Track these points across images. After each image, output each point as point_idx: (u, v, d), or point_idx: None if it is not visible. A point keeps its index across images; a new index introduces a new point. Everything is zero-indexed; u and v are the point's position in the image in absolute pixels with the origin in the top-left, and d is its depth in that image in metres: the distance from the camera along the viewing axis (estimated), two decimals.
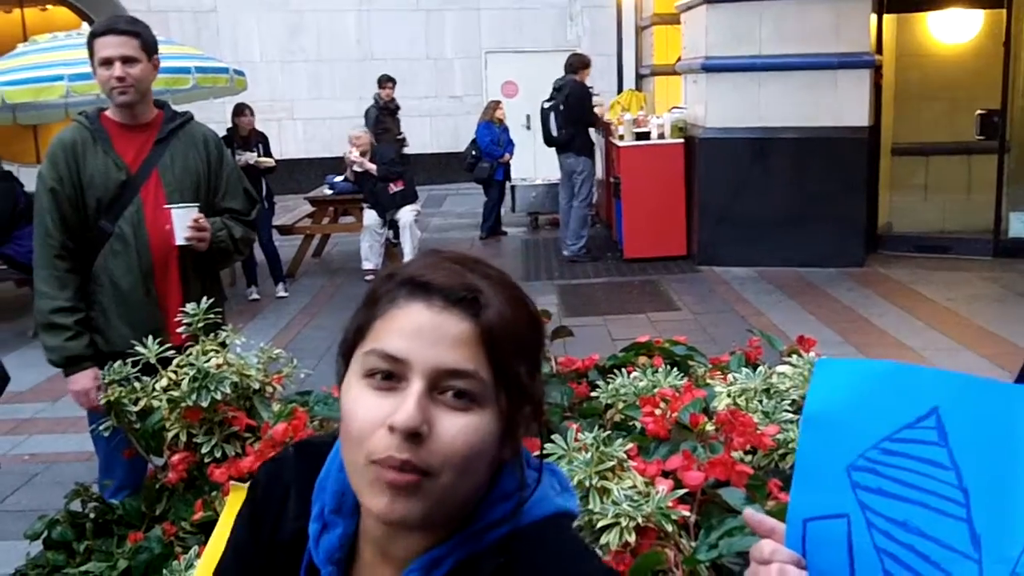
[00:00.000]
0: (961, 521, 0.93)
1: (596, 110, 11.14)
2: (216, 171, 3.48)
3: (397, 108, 12.17)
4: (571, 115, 10.51)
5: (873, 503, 0.98)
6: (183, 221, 3.29)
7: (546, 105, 10.72)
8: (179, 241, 3.30)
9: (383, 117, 11.67)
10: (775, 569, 1.00)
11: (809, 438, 1.02)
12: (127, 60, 3.23)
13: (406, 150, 12.04)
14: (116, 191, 3.29)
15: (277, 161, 10.47)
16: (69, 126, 3.38)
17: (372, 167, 10.11)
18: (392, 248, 10.67)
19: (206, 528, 2.38)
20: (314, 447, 1.16)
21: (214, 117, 8.60)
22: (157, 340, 2.79)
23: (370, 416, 0.98)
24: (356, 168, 10.24)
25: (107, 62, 3.23)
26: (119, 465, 3.20)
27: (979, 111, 9.84)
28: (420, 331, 0.98)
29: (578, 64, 10.71)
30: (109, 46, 3.23)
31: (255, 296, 9.54)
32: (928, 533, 0.95)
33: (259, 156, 9.77)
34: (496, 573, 1.02)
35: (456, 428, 0.97)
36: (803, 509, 1.02)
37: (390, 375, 0.98)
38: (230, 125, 9.77)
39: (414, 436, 0.95)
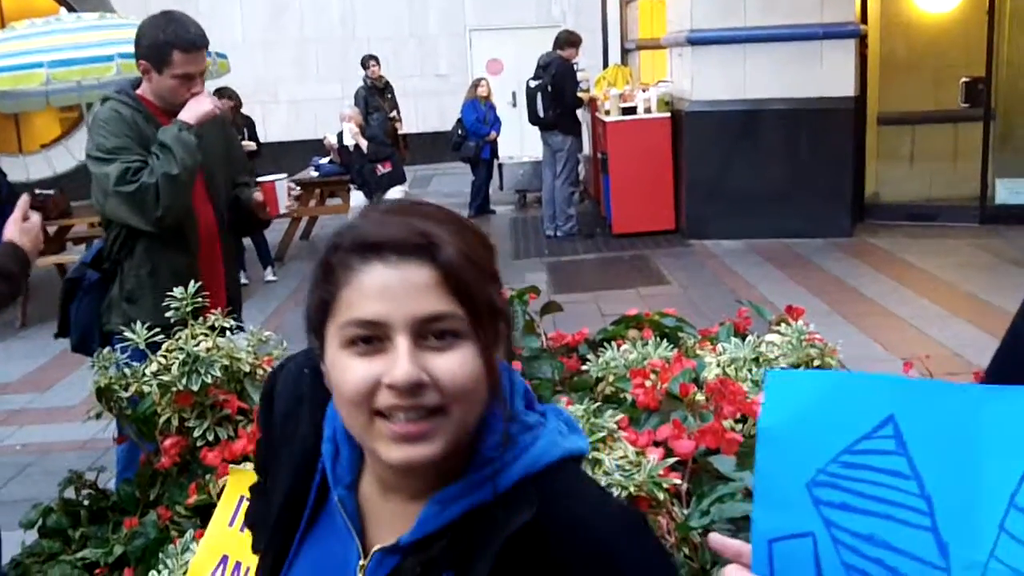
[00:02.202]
0: (926, 531, 0.92)
1: (581, 85, 11.09)
2: (232, 148, 3.63)
3: (387, 85, 12.06)
4: (557, 95, 10.48)
5: (837, 519, 0.96)
6: (283, 191, 3.49)
7: (532, 84, 10.67)
8: (282, 210, 3.51)
9: (371, 97, 11.59)
10: None
11: (767, 456, 1.00)
12: (203, 73, 3.34)
13: (401, 130, 11.93)
14: None
15: (262, 144, 10.42)
16: (113, 101, 3.37)
17: (364, 142, 10.08)
18: None
19: (201, 512, 2.39)
20: None
21: None
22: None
23: (363, 378, 1.00)
24: (347, 143, 10.20)
25: (187, 77, 3.27)
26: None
27: (964, 79, 9.84)
28: (387, 290, 1.00)
29: (565, 41, 10.64)
30: (193, 63, 3.29)
31: (244, 281, 9.50)
32: (894, 545, 0.93)
33: (242, 140, 9.72)
34: (523, 530, 1.02)
35: (450, 365, 1.00)
36: (767, 529, 1.00)
37: (370, 339, 1.00)
38: None
39: (416, 387, 0.98)
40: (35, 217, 2.81)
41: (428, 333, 1.00)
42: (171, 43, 3.26)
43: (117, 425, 3.26)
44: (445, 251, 1.01)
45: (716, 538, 1.08)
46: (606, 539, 1.03)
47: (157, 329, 2.78)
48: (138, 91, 3.40)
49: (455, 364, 1.00)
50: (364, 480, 1.13)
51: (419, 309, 0.99)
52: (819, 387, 0.98)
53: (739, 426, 2.11)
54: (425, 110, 17.08)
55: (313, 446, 1.15)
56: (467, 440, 1.06)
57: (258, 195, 3.53)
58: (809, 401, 0.98)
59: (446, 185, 15.45)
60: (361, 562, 1.10)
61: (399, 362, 0.98)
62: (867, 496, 0.95)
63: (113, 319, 3.43)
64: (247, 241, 9.54)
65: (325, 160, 11.09)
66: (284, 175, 3.56)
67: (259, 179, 3.53)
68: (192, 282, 3.28)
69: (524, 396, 1.13)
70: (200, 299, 2.76)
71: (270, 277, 9.63)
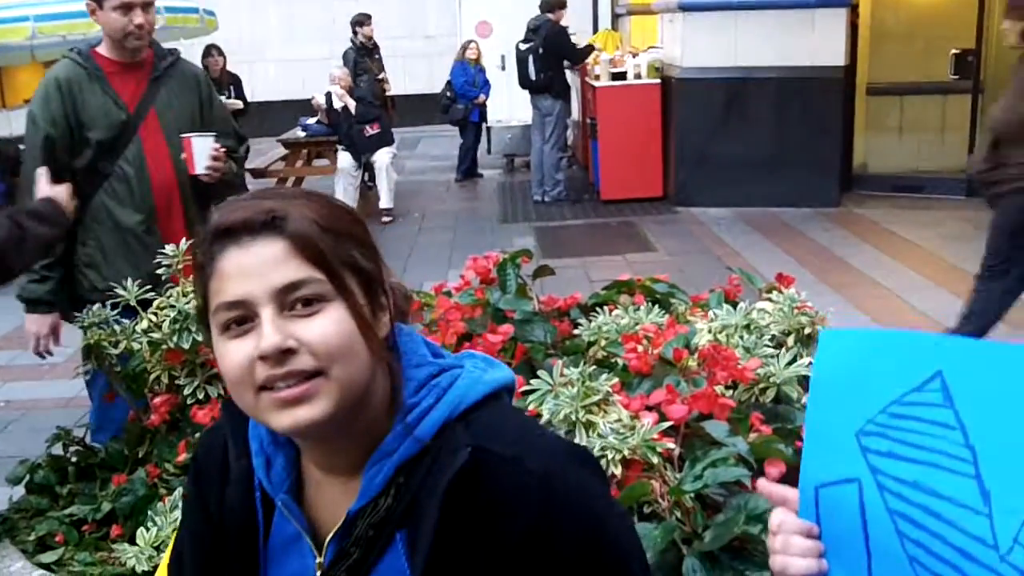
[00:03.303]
0: (970, 478, 0.95)
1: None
2: (208, 109, 3.48)
3: (375, 47, 11.92)
4: (549, 58, 10.41)
5: (883, 466, 1.00)
6: (203, 150, 3.26)
7: (523, 47, 10.59)
8: (199, 170, 3.27)
9: (361, 58, 11.44)
10: (779, 541, 1.04)
11: (817, 407, 1.04)
12: (147, 6, 3.21)
13: (389, 92, 11.81)
14: (116, 131, 3.26)
15: (248, 104, 10.33)
16: (61, 63, 3.32)
17: (352, 103, 10.00)
18: (367, 191, 10.59)
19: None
20: None
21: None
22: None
23: (239, 358, 1.03)
24: (335, 104, 10.11)
25: (127, 7, 3.18)
26: (119, 410, 3.18)
27: (953, 51, 9.83)
28: (244, 269, 1.04)
29: (553, 4, 10.57)
30: None
31: None
32: (938, 491, 0.97)
33: (229, 98, 9.64)
34: (464, 473, 1.05)
35: (319, 327, 1.03)
36: (814, 476, 1.04)
37: (241, 320, 1.04)
38: (201, 67, 9.63)
39: (285, 354, 1.02)
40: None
41: (293, 303, 1.03)
42: None
43: (86, 384, 3.26)
44: (291, 222, 1.04)
45: (764, 484, 1.12)
46: (537, 471, 1.05)
47: (148, 286, 2.77)
48: (97, 48, 3.33)
49: (323, 327, 1.03)
50: (305, 478, 1.16)
51: (276, 280, 1.03)
52: (870, 344, 1.02)
53: (730, 392, 2.12)
54: (413, 72, 16.95)
55: (247, 467, 1.17)
56: (375, 409, 1.09)
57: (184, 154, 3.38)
58: (860, 357, 1.02)
59: (434, 147, 15.38)
60: (318, 560, 1.12)
61: (264, 333, 1.02)
62: (913, 445, 0.98)
63: (76, 287, 3.38)
64: None
65: (313, 120, 11.01)
66: (212, 134, 3.34)
67: (182, 135, 3.33)
68: (149, 243, 3.27)
69: (427, 346, 1.16)
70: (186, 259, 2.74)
71: None
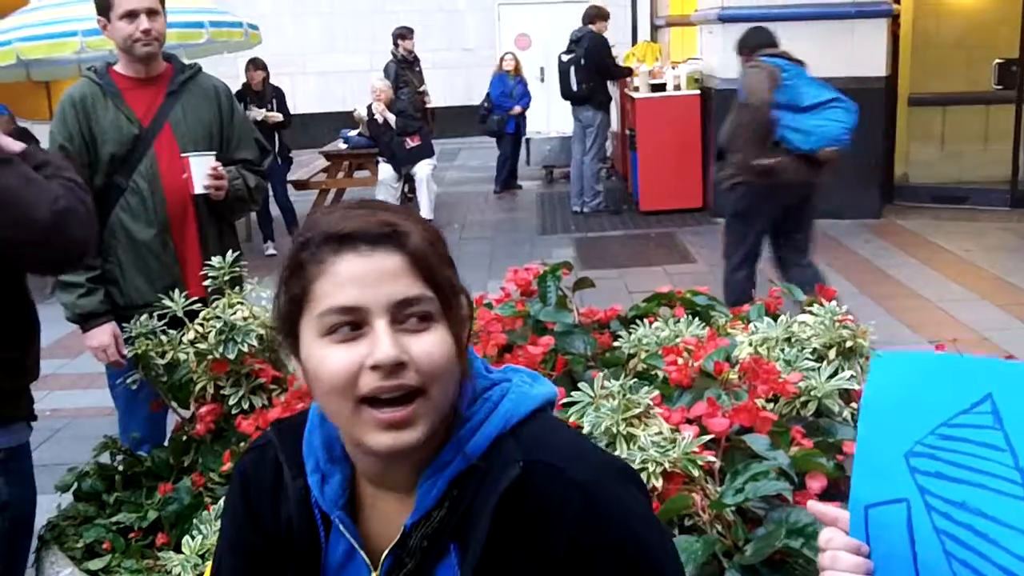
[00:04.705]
0: (1019, 500, 0.96)
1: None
2: (228, 122, 3.47)
3: (415, 59, 11.99)
4: (590, 69, 10.42)
5: (932, 487, 1.01)
6: (201, 169, 3.27)
7: (564, 58, 10.61)
8: (197, 190, 3.28)
9: (402, 71, 11.49)
10: (828, 557, 1.05)
11: (868, 429, 1.06)
12: (151, 13, 3.23)
13: (429, 104, 11.86)
14: (129, 145, 3.27)
15: (291, 116, 10.43)
16: (78, 82, 3.37)
17: (392, 117, 10.07)
18: (408, 202, 10.66)
19: None
20: (289, 422, 1.25)
21: (227, 72, 8.53)
22: (183, 294, 2.82)
23: (345, 364, 1.04)
24: (376, 117, 10.19)
25: (132, 15, 3.21)
26: (139, 420, 3.23)
27: (997, 60, 9.71)
28: (363, 277, 1.04)
29: (595, 15, 10.59)
30: (135, 0, 3.22)
31: (271, 251, 9.55)
32: (986, 513, 0.97)
33: (271, 111, 9.74)
34: (513, 485, 1.07)
35: (428, 345, 1.05)
36: (864, 496, 1.05)
37: (349, 326, 1.04)
38: (244, 80, 9.75)
39: (397, 367, 1.03)
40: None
41: (405, 317, 1.05)
42: None
43: (113, 396, 3.30)
44: (412, 238, 1.06)
45: (814, 505, 1.14)
46: (579, 480, 1.08)
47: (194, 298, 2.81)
48: (114, 66, 3.37)
49: (431, 345, 1.05)
50: (360, 493, 1.18)
51: (394, 293, 1.04)
52: (921, 367, 1.04)
53: (771, 405, 2.12)
54: (453, 84, 17.03)
55: (304, 486, 1.18)
56: (443, 425, 1.11)
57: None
58: (911, 380, 1.03)
59: (473, 159, 15.43)
60: (374, 574, 1.14)
61: (380, 342, 1.03)
62: (962, 466, 0.99)
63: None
64: (275, 211, 9.61)
65: (354, 132, 11.08)
66: (212, 153, 3.36)
67: (182, 155, 3.32)
68: (164, 257, 3.28)
69: (479, 360, 1.18)
70: (237, 267, 2.79)
71: (270, 251, 9.60)
